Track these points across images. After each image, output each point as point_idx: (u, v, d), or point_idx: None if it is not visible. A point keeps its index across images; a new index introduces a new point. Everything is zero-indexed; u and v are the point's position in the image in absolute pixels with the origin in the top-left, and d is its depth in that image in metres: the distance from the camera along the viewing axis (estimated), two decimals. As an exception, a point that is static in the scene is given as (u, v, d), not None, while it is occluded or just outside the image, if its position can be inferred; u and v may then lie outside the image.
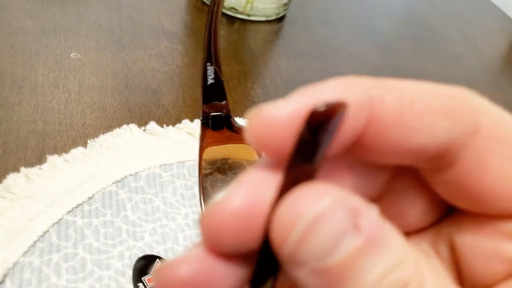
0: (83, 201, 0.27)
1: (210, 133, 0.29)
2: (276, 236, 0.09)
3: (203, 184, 0.28)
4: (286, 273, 0.09)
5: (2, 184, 0.26)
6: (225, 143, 0.29)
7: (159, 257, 0.26)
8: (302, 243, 0.09)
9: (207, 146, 0.29)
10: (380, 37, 0.57)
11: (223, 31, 0.48)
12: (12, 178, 0.27)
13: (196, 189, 0.31)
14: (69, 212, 0.27)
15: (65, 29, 0.40)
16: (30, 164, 0.28)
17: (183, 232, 0.28)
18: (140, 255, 0.26)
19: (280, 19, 0.53)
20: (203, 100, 0.29)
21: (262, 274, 0.10)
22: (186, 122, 0.34)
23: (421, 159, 0.11)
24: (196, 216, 0.29)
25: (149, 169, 0.30)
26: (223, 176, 0.29)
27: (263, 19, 0.52)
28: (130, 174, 0.30)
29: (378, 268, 0.09)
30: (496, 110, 0.11)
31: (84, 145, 0.30)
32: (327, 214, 0.09)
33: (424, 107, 0.10)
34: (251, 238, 0.09)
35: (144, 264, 0.26)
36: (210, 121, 0.29)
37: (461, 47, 0.61)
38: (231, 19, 0.50)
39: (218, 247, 0.10)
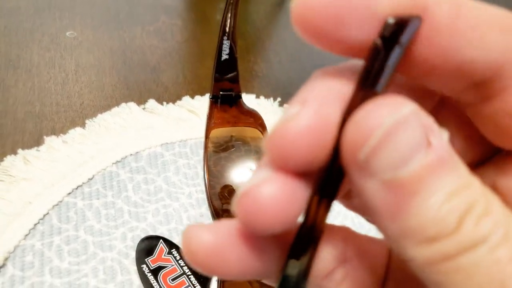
0: (83, 183, 0.27)
1: (218, 112, 0.28)
2: (352, 143, 0.09)
3: (208, 162, 0.27)
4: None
5: (0, 167, 0.26)
6: (233, 125, 0.29)
7: (162, 238, 0.25)
8: (378, 150, 0.09)
9: (214, 127, 0.28)
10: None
11: (223, 4, 0.46)
12: (9, 161, 0.26)
13: (199, 168, 0.30)
14: (69, 194, 0.26)
15: (60, 7, 0.38)
16: (27, 146, 0.27)
17: (187, 212, 0.27)
18: (143, 236, 0.25)
19: (283, -10, 0.51)
20: (214, 77, 0.28)
21: (325, 192, 0.10)
22: (186, 99, 0.33)
23: (468, 83, 0.10)
24: (200, 195, 0.28)
25: (150, 148, 0.30)
26: (227, 155, 0.29)
27: (266, -10, 0.50)
28: (131, 154, 0.29)
29: (447, 187, 0.09)
30: None
31: (83, 125, 0.29)
32: (407, 124, 0.09)
33: (482, 17, 0.09)
34: (320, 154, 0.09)
35: (148, 245, 0.25)
36: (219, 99, 0.28)
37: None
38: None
39: (287, 166, 0.09)
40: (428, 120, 0.09)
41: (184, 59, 0.38)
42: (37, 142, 0.28)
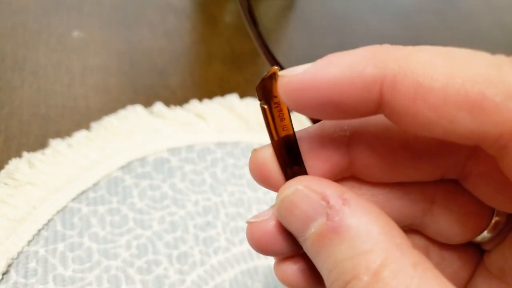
0: (88, 188, 0.26)
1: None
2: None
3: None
4: None
5: (4, 170, 0.25)
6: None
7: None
8: (282, 219, 0.11)
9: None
10: (399, 9, 0.54)
11: (233, 6, 0.46)
12: (14, 164, 0.26)
13: (206, 174, 0.29)
14: (73, 199, 0.25)
15: (67, 7, 0.38)
16: (33, 149, 0.27)
17: (193, 220, 0.27)
18: (149, 244, 0.25)
19: (293, -7, 0.51)
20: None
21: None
22: (194, 103, 0.33)
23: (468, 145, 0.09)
24: (207, 203, 0.28)
25: (156, 153, 0.29)
26: None
27: (275, -8, 0.49)
28: (137, 159, 0.28)
29: (336, 255, 0.10)
30: None
31: (88, 128, 0.29)
32: (294, 198, 0.11)
33: (443, 96, 0.09)
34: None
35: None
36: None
37: (486, 21, 0.57)
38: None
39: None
40: (323, 191, 0.10)
41: (192, 62, 0.37)
42: (42, 144, 0.28)
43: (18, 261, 0.23)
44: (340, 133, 0.12)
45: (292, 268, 0.12)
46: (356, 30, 0.48)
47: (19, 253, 0.23)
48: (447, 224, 0.12)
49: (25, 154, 0.26)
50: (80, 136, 0.28)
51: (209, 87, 0.35)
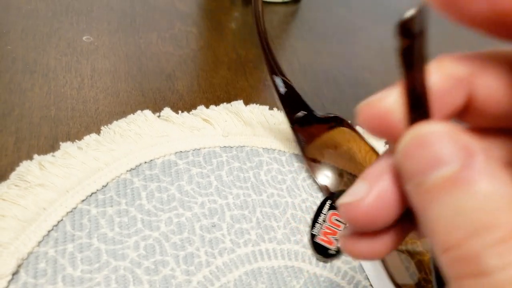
0: (97, 190, 0.26)
1: (304, 131, 0.31)
2: (395, 151, 0.11)
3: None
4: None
5: (15, 172, 0.26)
6: (321, 135, 0.32)
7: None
8: (405, 156, 0.10)
9: (309, 142, 0.31)
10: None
11: (238, 13, 0.46)
12: (25, 166, 0.26)
13: (212, 177, 0.30)
14: (83, 201, 0.26)
15: (77, 11, 0.39)
16: (43, 151, 0.27)
17: (200, 222, 0.27)
18: (156, 245, 0.25)
19: (297, 1, 0.51)
20: (285, 110, 0.31)
21: None
22: (201, 108, 0.33)
23: None
24: (213, 205, 0.28)
25: (164, 156, 0.30)
26: (329, 161, 0.32)
27: (279, 0, 0.50)
28: (145, 162, 0.29)
29: (459, 203, 0.09)
30: None
31: (98, 131, 0.30)
32: (431, 138, 0.10)
33: None
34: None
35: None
36: (298, 122, 0.31)
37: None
38: (246, 1, 0.48)
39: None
40: (466, 141, 0.10)
41: (199, 67, 0.38)
42: (52, 147, 0.28)
43: (28, 262, 0.23)
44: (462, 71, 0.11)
45: (370, 242, 0.12)
46: (358, 38, 0.49)
47: (29, 254, 0.23)
48: None
49: (36, 156, 0.27)
50: (89, 138, 0.29)
51: (215, 92, 0.35)
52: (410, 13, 0.10)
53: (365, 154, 0.31)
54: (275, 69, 0.31)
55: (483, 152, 0.09)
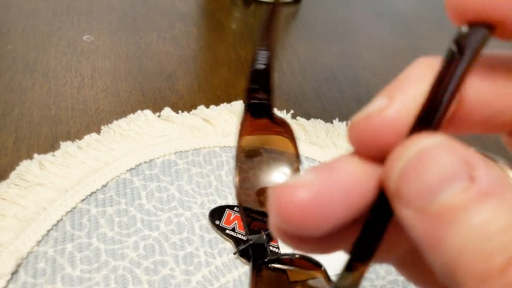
0: (97, 189, 0.26)
1: (250, 120, 0.29)
2: (385, 172, 0.09)
3: (238, 167, 0.28)
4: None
5: (15, 172, 0.26)
6: (263, 134, 0.29)
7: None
8: (404, 178, 0.09)
9: (246, 134, 0.29)
10: (400, 18, 0.55)
11: (238, 14, 0.46)
12: (25, 165, 0.26)
13: (212, 177, 0.30)
14: (82, 200, 0.26)
15: (78, 11, 0.39)
16: (43, 150, 0.27)
17: (199, 222, 0.27)
18: (156, 245, 0.25)
19: (297, 1, 0.51)
20: (248, 86, 0.29)
21: (376, 221, 0.10)
22: (201, 108, 0.33)
23: None
24: (212, 205, 0.28)
25: (164, 156, 0.30)
26: (256, 161, 0.29)
27: (280, 0, 0.50)
28: (145, 161, 0.29)
29: (493, 223, 0.08)
30: None
31: (98, 131, 0.30)
32: (432, 154, 0.09)
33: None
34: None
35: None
36: (252, 108, 0.29)
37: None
38: (247, 1, 0.48)
39: (367, 150, 0.10)
40: (466, 153, 0.09)
41: (199, 67, 0.38)
42: (52, 146, 0.28)
43: (27, 261, 0.23)
44: None
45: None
46: (358, 38, 0.49)
47: (28, 253, 0.23)
48: None
49: (36, 155, 0.27)
50: (89, 138, 0.29)
51: (215, 92, 0.35)
52: (465, 29, 0.09)
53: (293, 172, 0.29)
54: (265, 43, 0.28)
55: (483, 162, 0.09)
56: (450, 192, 0.08)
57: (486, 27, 0.09)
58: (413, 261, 0.11)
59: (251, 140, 0.29)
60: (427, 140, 0.09)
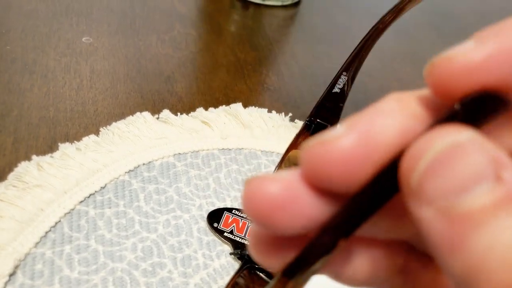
0: (96, 191, 0.26)
1: (306, 136, 0.29)
2: (405, 167, 0.08)
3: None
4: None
5: (14, 173, 0.26)
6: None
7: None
8: (430, 174, 0.08)
9: (295, 147, 0.29)
10: (398, 23, 0.55)
11: (237, 16, 0.47)
12: (23, 167, 0.26)
13: (210, 179, 0.30)
14: (81, 202, 0.26)
15: (77, 12, 0.39)
16: (41, 152, 0.27)
17: (197, 224, 0.27)
18: (154, 247, 0.25)
19: (296, 4, 0.52)
20: (320, 103, 0.29)
21: (351, 221, 0.09)
22: (200, 110, 0.33)
23: None
24: (211, 208, 0.28)
25: (162, 158, 0.30)
26: None
27: (279, 3, 0.50)
28: (143, 163, 0.29)
29: None
30: None
31: (96, 132, 0.30)
32: (464, 149, 0.08)
33: None
34: (353, 180, 0.09)
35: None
36: (311, 125, 0.29)
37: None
38: (246, 4, 0.49)
39: (316, 182, 0.09)
40: (495, 152, 0.08)
41: (198, 70, 0.38)
42: (51, 147, 0.28)
43: (25, 263, 0.23)
44: None
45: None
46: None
47: (26, 255, 0.23)
48: None
49: (34, 157, 0.27)
50: (88, 140, 0.29)
51: (214, 94, 0.35)
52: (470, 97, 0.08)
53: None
54: (351, 67, 0.28)
55: (510, 161, 0.08)
56: (477, 193, 0.08)
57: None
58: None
59: (297, 154, 0.29)
60: (461, 135, 0.08)
